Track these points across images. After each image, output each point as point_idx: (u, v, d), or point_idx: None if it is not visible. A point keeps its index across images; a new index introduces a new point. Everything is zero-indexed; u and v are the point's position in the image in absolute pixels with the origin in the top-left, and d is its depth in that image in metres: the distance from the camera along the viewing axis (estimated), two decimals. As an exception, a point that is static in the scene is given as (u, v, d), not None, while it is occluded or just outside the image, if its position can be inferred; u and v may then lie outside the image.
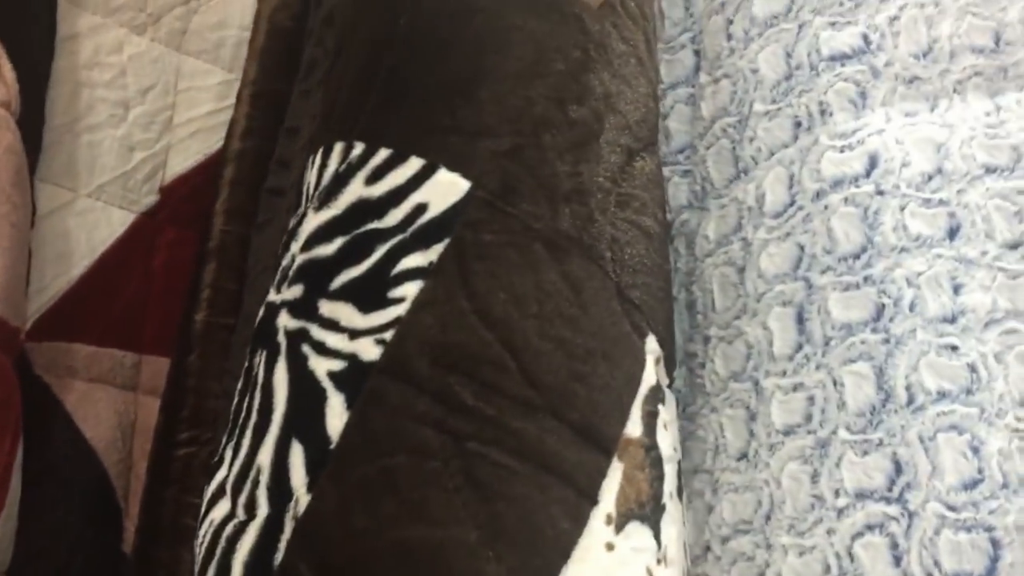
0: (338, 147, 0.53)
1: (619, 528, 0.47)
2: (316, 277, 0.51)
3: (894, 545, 0.48)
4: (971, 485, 0.48)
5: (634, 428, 0.50)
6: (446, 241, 0.49)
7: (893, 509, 0.48)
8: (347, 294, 0.50)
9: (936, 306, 0.51)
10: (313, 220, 0.52)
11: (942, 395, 0.49)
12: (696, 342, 0.62)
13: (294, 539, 0.45)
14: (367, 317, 0.49)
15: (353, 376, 0.47)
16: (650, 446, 0.50)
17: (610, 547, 0.47)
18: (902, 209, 0.54)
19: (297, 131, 0.64)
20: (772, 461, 0.53)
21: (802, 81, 0.61)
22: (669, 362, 0.56)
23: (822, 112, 0.59)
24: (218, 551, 0.46)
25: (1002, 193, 0.55)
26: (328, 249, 0.51)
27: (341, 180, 0.52)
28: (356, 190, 0.52)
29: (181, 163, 0.78)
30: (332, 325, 0.49)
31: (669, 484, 0.51)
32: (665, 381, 0.56)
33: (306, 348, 0.49)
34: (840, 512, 0.49)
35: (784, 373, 0.54)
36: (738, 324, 0.58)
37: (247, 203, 0.66)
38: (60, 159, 0.71)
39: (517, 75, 0.54)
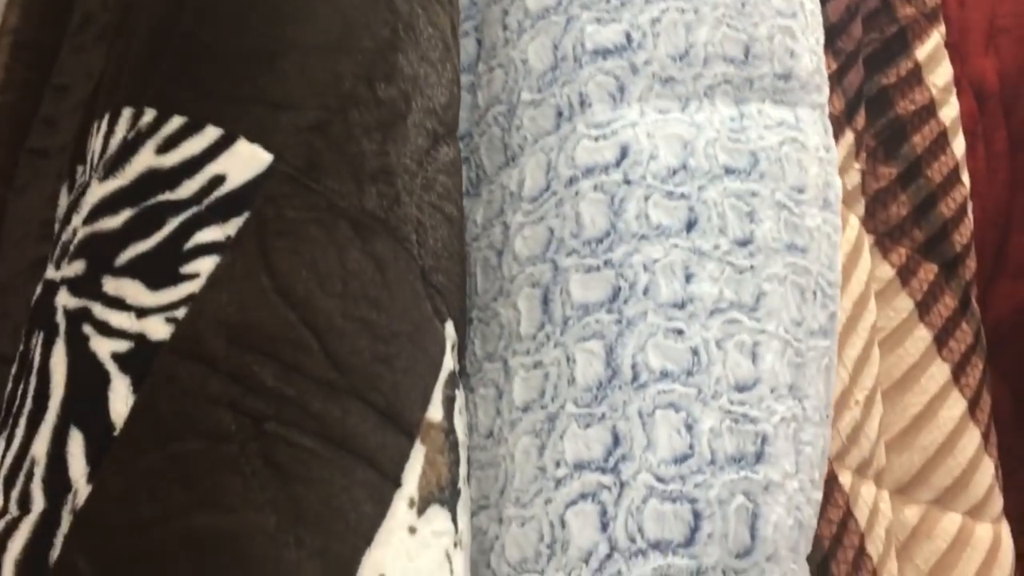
0: (126, 113, 0.50)
1: (420, 511, 0.47)
2: (100, 252, 0.47)
3: (603, 512, 0.49)
4: (681, 459, 0.50)
5: (435, 412, 0.50)
6: (245, 215, 0.47)
7: (607, 479, 0.50)
8: (134, 270, 0.47)
9: (668, 292, 0.54)
10: (98, 191, 0.49)
11: (664, 374, 0.52)
12: (471, 314, 0.63)
13: (72, 532, 0.42)
14: (156, 294, 0.46)
15: (140, 357, 0.45)
16: (449, 430, 0.50)
17: (412, 530, 0.47)
18: (646, 199, 0.56)
19: (67, 89, 0.60)
20: (510, 437, 0.54)
21: (566, 72, 0.63)
22: (462, 349, 0.57)
23: (582, 103, 0.61)
24: None
25: (737, 193, 0.58)
26: (114, 222, 0.48)
27: (129, 148, 0.49)
28: (146, 159, 0.48)
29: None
30: (117, 303, 0.46)
31: (463, 469, 0.52)
32: (458, 367, 0.56)
33: (87, 328, 0.46)
34: (559, 482, 0.51)
35: (528, 352, 0.55)
36: (494, 306, 0.59)
37: (6, 163, 0.62)
38: None
39: (323, 48, 0.52)
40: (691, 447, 0.51)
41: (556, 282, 0.57)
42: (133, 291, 0.46)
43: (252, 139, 0.48)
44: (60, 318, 0.47)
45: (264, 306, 0.46)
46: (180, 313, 0.45)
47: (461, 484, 0.51)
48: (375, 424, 0.46)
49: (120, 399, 0.44)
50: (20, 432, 0.45)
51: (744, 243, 0.57)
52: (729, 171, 0.59)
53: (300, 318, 0.46)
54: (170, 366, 0.44)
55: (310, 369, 0.45)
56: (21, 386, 0.47)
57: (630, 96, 0.61)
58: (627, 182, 0.57)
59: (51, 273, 0.49)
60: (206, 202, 0.47)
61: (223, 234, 0.47)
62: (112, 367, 0.45)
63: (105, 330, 0.46)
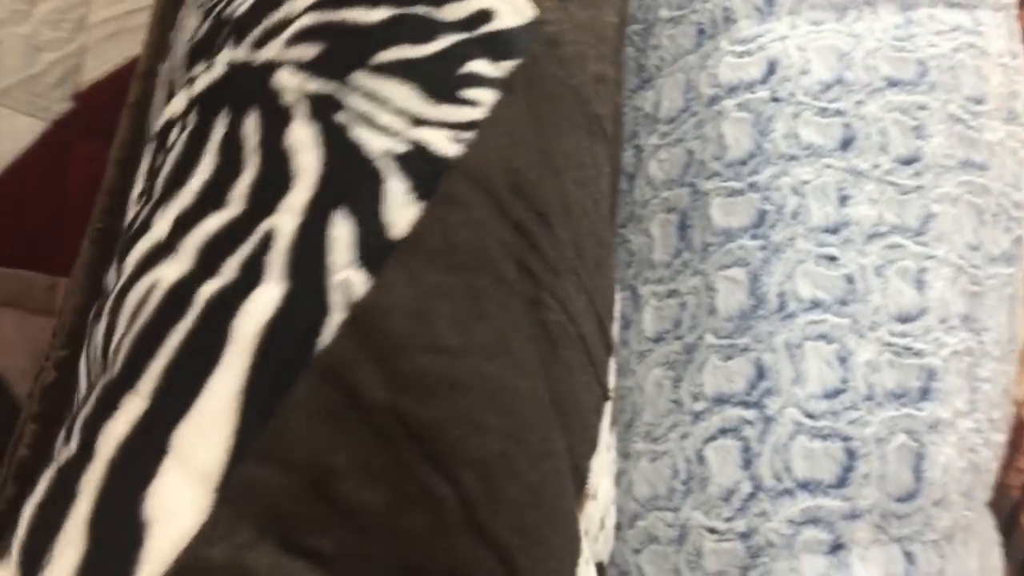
0: None
1: (610, 431, 0.46)
2: (348, 43, 0.42)
3: (746, 448, 0.46)
4: (833, 394, 0.46)
5: (616, 332, 0.49)
6: (518, 60, 0.43)
7: (750, 413, 0.47)
8: (403, 72, 0.42)
9: (820, 215, 0.50)
10: None
11: (815, 304, 0.48)
12: None
13: (351, 326, 0.36)
14: (435, 107, 0.41)
15: (423, 165, 0.40)
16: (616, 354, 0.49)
17: (608, 448, 0.45)
18: (796, 117, 0.52)
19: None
20: (639, 369, 0.52)
21: (710, -15, 0.59)
22: None
23: (726, 19, 0.57)
24: (193, 313, 0.37)
25: (902, 107, 0.53)
26: (368, 16, 0.43)
27: None
28: None
29: (98, 68, 0.73)
30: (380, 102, 0.41)
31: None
32: None
33: (342, 117, 0.41)
34: (696, 416, 0.48)
35: (661, 280, 0.53)
36: (623, 232, 0.56)
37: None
38: (-43, 58, 0.66)
39: None
40: (844, 381, 0.47)
41: (695, 207, 0.53)
42: (403, 94, 0.41)
43: None
44: (291, 99, 0.41)
45: (534, 166, 0.42)
46: (468, 136, 0.41)
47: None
48: (595, 328, 0.43)
49: (398, 202, 0.39)
50: (237, 205, 0.39)
51: (909, 161, 0.52)
52: (892, 83, 0.54)
53: (559, 189, 0.43)
54: (462, 191, 0.40)
55: (566, 247, 0.42)
56: (212, 159, 0.41)
57: (779, 8, 0.57)
58: (775, 99, 0.53)
59: (246, 54, 0.44)
60: (476, 33, 0.43)
61: (497, 72, 0.43)
62: (387, 164, 0.39)
63: (370, 124, 0.41)
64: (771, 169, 0.51)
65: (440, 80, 0.42)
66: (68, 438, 0.37)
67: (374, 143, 0.40)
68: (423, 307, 0.37)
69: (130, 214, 0.44)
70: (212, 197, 0.40)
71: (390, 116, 0.41)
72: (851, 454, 0.45)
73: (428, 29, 0.43)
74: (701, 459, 0.47)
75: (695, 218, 0.53)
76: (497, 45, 0.44)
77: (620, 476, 0.50)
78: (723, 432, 0.47)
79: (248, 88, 0.43)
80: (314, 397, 0.35)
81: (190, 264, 0.38)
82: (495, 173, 0.41)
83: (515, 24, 0.44)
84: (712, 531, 0.46)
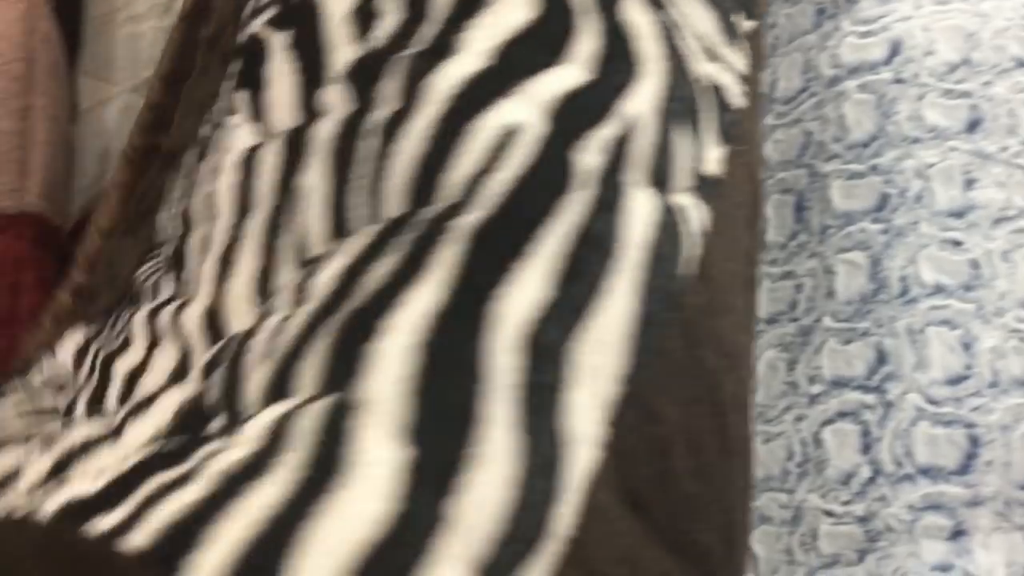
0: None
1: None
2: None
3: (866, 433, 0.46)
4: (956, 381, 0.46)
5: None
6: (756, 21, 0.44)
7: (870, 398, 0.46)
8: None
9: (945, 199, 0.49)
10: None
11: (939, 289, 0.47)
12: None
13: (699, 275, 0.35)
14: (728, 49, 0.41)
15: (724, 110, 0.40)
16: None
17: None
18: (920, 98, 0.51)
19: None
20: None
21: (832, -36, 0.58)
22: None
23: (848, -2, 0.56)
24: (577, 184, 0.34)
25: (1032, 89, 0.51)
26: None
27: None
28: None
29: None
30: (684, 16, 0.40)
31: None
32: None
33: (665, 17, 0.39)
34: (813, 399, 0.48)
35: (775, 261, 0.53)
36: None
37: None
38: (100, 51, 0.69)
39: None
40: (969, 367, 0.46)
41: (813, 188, 0.53)
42: (704, 20, 0.40)
43: None
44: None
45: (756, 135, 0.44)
46: (744, 91, 0.41)
47: None
48: None
49: (712, 140, 0.38)
50: (582, 62, 0.36)
51: (1039, 143, 0.51)
52: (1022, 63, 0.52)
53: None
54: (745, 142, 0.40)
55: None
56: (558, 8, 0.37)
57: (904, -13, 0.56)
58: (898, 81, 0.52)
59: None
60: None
61: (744, 27, 0.43)
62: (706, 95, 0.38)
63: (689, 44, 0.39)
64: (894, 152, 0.51)
65: (730, 23, 0.41)
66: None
67: (694, 65, 0.38)
68: (728, 266, 0.36)
69: (386, 21, 0.38)
70: (543, 44, 0.36)
71: (694, 41, 0.39)
72: (974, 441, 0.45)
73: None
74: (818, 442, 0.47)
75: (813, 200, 0.52)
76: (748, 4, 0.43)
77: None
78: (842, 416, 0.47)
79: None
80: (675, 345, 0.33)
81: (547, 117, 0.34)
82: (755, 134, 0.41)
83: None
84: (829, 514, 0.46)
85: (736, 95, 0.39)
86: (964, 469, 0.45)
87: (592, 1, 0.36)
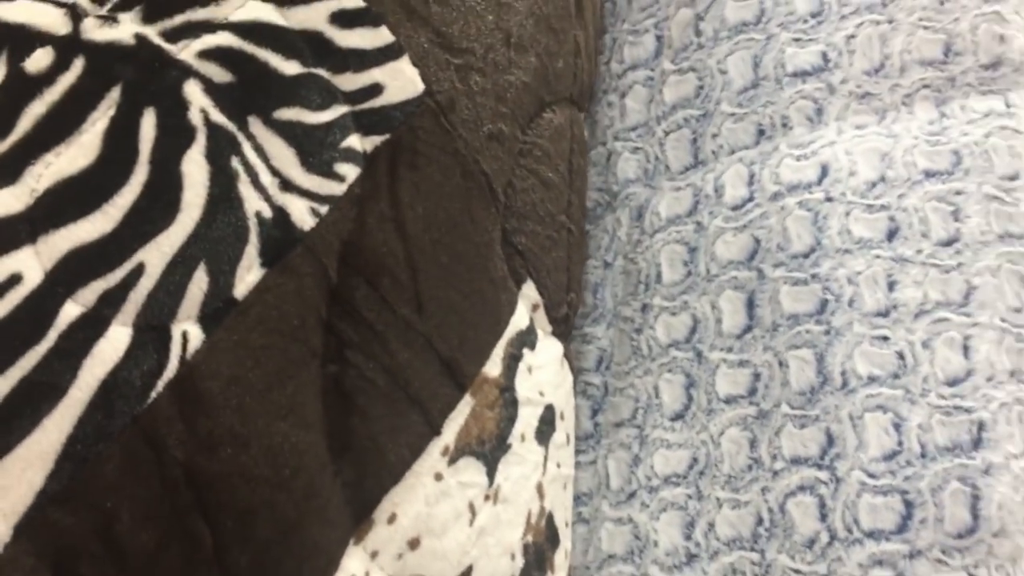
0: None
1: (452, 461, 0.48)
2: (257, 87, 0.44)
3: (822, 504, 0.57)
4: (890, 456, 0.56)
5: (493, 368, 0.50)
6: (386, 136, 0.47)
7: (824, 475, 0.57)
8: (291, 136, 0.45)
9: (872, 302, 0.59)
10: (254, 6, 0.46)
11: (872, 379, 0.58)
12: (631, 307, 0.69)
13: (177, 385, 0.39)
14: (308, 177, 0.45)
15: (278, 233, 0.43)
16: (505, 387, 0.51)
17: (438, 477, 0.47)
18: (847, 215, 0.62)
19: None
20: (711, 425, 0.62)
21: (767, 92, 0.69)
22: (552, 309, 0.58)
23: (784, 124, 0.67)
24: (50, 339, 0.38)
25: (939, 195, 0.62)
26: (282, 66, 0.45)
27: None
28: (317, 21, 0.47)
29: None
30: (264, 157, 0.44)
31: (522, 426, 0.52)
32: (545, 328, 0.57)
33: (236, 164, 0.43)
34: (776, 474, 0.58)
35: (731, 349, 0.63)
36: (685, 298, 0.66)
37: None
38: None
39: None
40: (900, 444, 0.56)
41: (763, 289, 0.64)
42: (284, 156, 0.44)
43: (414, 62, 0.48)
44: (199, 123, 0.42)
45: (379, 232, 0.46)
46: (324, 210, 0.44)
47: (513, 440, 0.51)
48: (435, 371, 0.47)
49: (249, 265, 0.42)
50: (114, 213, 0.40)
51: (949, 242, 0.62)
52: (929, 174, 0.63)
53: (405, 253, 0.46)
54: (300, 263, 0.43)
55: (399, 306, 0.46)
56: (97, 141, 0.40)
57: (828, 116, 0.67)
58: (828, 199, 0.63)
59: (155, 36, 0.43)
60: (361, 107, 0.47)
61: (362, 146, 0.46)
62: (253, 227, 0.43)
63: (254, 181, 0.43)
64: (829, 262, 0.61)
65: (320, 151, 0.45)
66: None
67: (251, 202, 0.42)
68: (239, 371, 0.40)
69: None
70: (89, 194, 0.40)
71: (268, 176, 0.43)
72: (909, 504, 0.55)
73: (326, 96, 0.46)
74: (783, 511, 0.57)
75: (764, 299, 0.63)
76: (372, 121, 0.47)
77: (698, 517, 0.61)
78: (801, 489, 0.57)
79: (155, 80, 0.42)
80: (124, 450, 0.38)
81: (52, 271, 0.38)
82: (332, 246, 0.44)
83: (398, 99, 0.47)
84: (797, 571, 0.57)
85: (303, 219, 0.44)
86: (901, 529, 0.55)
87: (150, 153, 0.41)
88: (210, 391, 0.40)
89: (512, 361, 0.51)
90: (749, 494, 0.58)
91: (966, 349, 0.59)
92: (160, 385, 0.39)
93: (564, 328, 0.62)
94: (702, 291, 0.64)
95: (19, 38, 0.41)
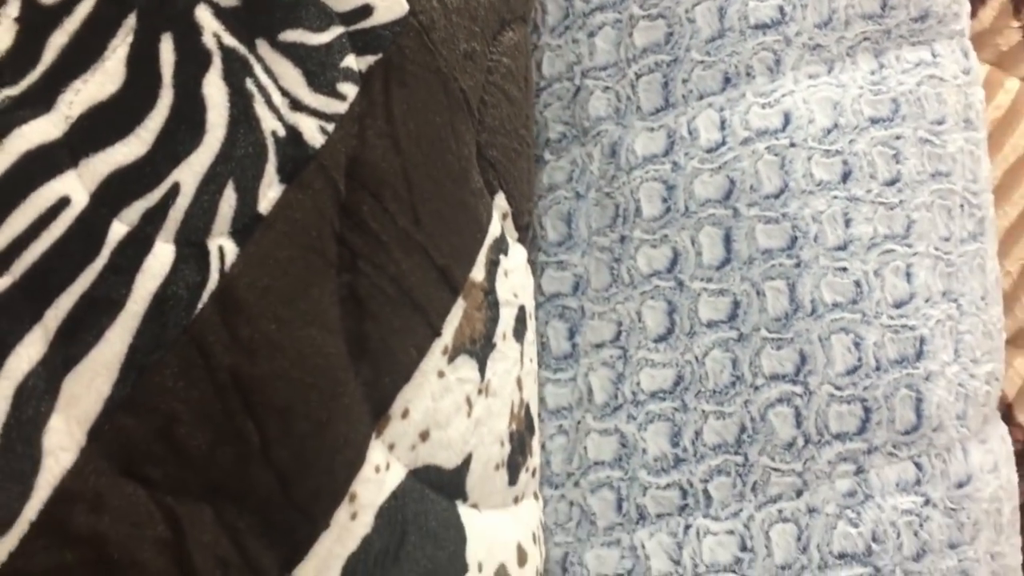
0: None
1: (451, 359, 0.52)
2: (262, 9, 0.46)
3: (797, 414, 0.67)
4: (852, 371, 0.67)
5: (478, 273, 0.54)
6: (379, 55, 0.49)
7: (798, 388, 0.67)
8: (297, 57, 0.47)
9: (833, 238, 0.69)
10: None
11: (835, 305, 0.68)
12: (608, 238, 0.75)
13: (219, 295, 0.42)
14: (314, 96, 0.47)
15: (292, 152, 0.46)
16: (489, 290, 0.55)
17: (440, 374, 0.51)
18: (809, 159, 0.71)
19: None
20: (694, 346, 0.70)
21: (732, 42, 0.75)
22: (517, 217, 0.62)
23: (748, 74, 0.75)
24: (102, 258, 0.40)
25: (883, 140, 0.72)
26: None
27: None
28: None
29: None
30: (273, 77, 0.46)
31: (503, 325, 0.56)
32: (513, 235, 0.61)
33: (251, 85, 0.45)
34: (756, 389, 0.68)
35: (710, 279, 0.71)
36: (665, 232, 0.72)
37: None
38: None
39: None
40: (859, 360, 0.67)
41: (739, 226, 0.72)
42: (292, 77, 0.46)
43: None
44: (214, 47, 0.44)
45: (378, 148, 0.48)
46: (330, 128, 0.47)
47: (498, 339, 0.55)
48: (432, 278, 0.50)
49: (269, 182, 0.45)
50: (147, 137, 0.42)
51: (892, 182, 0.71)
52: (874, 121, 0.72)
53: (401, 167, 0.49)
54: (314, 178, 0.46)
55: (399, 217, 0.49)
56: (120, 68, 0.42)
57: (785, 67, 0.74)
58: (792, 145, 0.72)
59: None
60: (352, 27, 0.49)
61: (357, 66, 0.49)
62: (270, 146, 0.45)
63: (267, 101, 0.46)
64: (796, 203, 0.70)
65: (323, 71, 0.47)
66: None
67: (267, 121, 0.45)
68: (271, 280, 0.44)
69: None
70: (121, 118, 0.41)
71: (279, 96, 0.46)
72: (867, 410, 0.66)
73: (324, 18, 0.47)
74: (763, 419, 0.68)
75: (740, 234, 0.71)
76: (365, 41, 0.49)
77: (684, 427, 0.69)
78: (779, 401, 0.68)
79: (167, 6, 0.43)
80: (179, 357, 0.41)
81: (97, 192, 0.40)
82: (339, 163, 0.47)
83: (387, 20, 0.49)
84: (776, 470, 0.67)
85: (314, 136, 0.47)
86: (861, 431, 0.66)
87: (172, 78, 0.43)
88: (247, 301, 0.43)
89: (492, 266, 0.55)
90: (733, 407, 0.68)
91: (908, 276, 0.69)
92: (205, 296, 0.42)
93: (526, 235, 0.65)
94: (681, 226, 0.72)
95: None
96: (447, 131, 0.52)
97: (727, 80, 0.75)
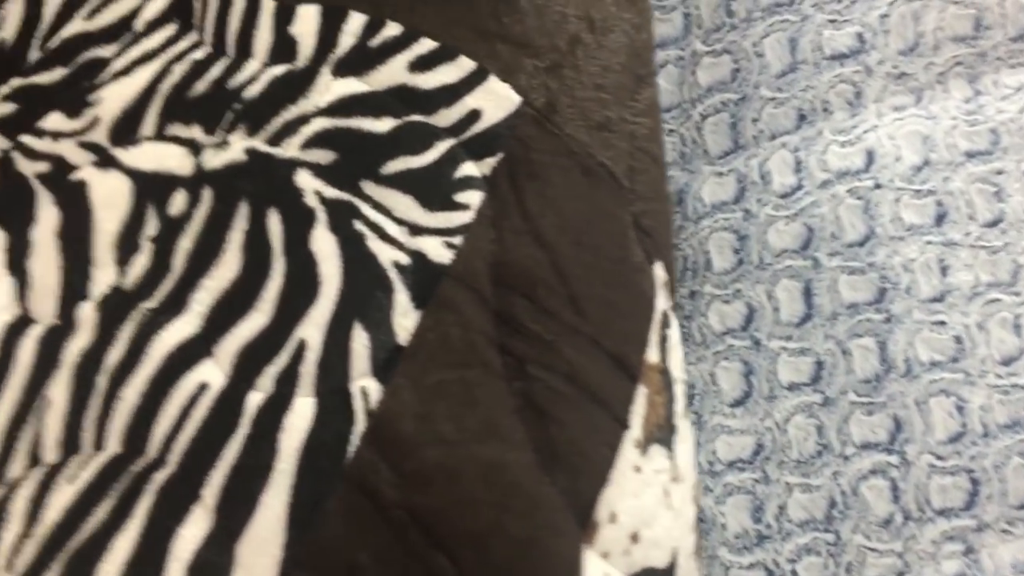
0: (357, 18, 0.51)
1: (644, 451, 0.49)
2: (359, 152, 0.48)
3: (894, 487, 0.60)
4: (956, 438, 0.60)
5: (652, 353, 0.51)
6: (499, 156, 0.49)
7: (894, 459, 0.60)
8: (405, 184, 0.48)
9: (927, 288, 0.62)
10: (338, 85, 0.49)
11: (933, 364, 0.61)
12: (678, 294, 0.69)
13: (370, 434, 0.42)
14: (432, 215, 0.47)
15: (422, 274, 0.46)
16: (664, 369, 0.52)
17: (637, 469, 0.48)
18: (896, 201, 0.64)
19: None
20: (775, 412, 0.64)
21: (806, 76, 0.70)
22: (671, 286, 0.58)
23: (825, 109, 0.68)
24: (244, 426, 0.42)
25: (982, 176, 0.65)
26: (375, 127, 0.48)
27: (374, 55, 0.50)
28: (398, 74, 0.50)
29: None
30: (385, 211, 0.47)
31: (678, 404, 0.53)
32: (670, 304, 0.57)
33: (360, 226, 0.46)
34: (846, 459, 0.62)
35: (790, 338, 0.65)
36: (738, 287, 0.67)
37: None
38: None
39: None
40: (964, 426, 0.60)
41: (820, 278, 0.66)
42: (404, 205, 0.47)
43: (503, 77, 0.50)
44: (315, 203, 0.46)
45: (520, 247, 0.47)
46: (457, 241, 0.46)
47: (677, 420, 0.52)
48: (607, 368, 0.48)
49: (402, 311, 0.45)
50: (267, 307, 0.44)
51: (994, 223, 0.64)
52: (971, 155, 0.65)
53: (549, 261, 0.48)
54: (452, 294, 0.45)
55: (560, 312, 0.47)
56: (238, 255, 0.45)
57: (867, 99, 0.68)
58: (877, 186, 0.65)
59: (268, 147, 0.48)
60: (465, 136, 0.49)
61: (480, 171, 0.48)
62: (394, 275, 0.45)
63: (382, 235, 0.46)
64: (884, 250, 0.64)
65: (435, 189, 0.47)
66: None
67: (385, 254, 0.46)
68: (425, 407, 0.43)
69: (139, 261, 0.46)
70: (242, 298, 0.45)
71: (396, 227, 0.46)
72: (975, 482, 0.59)
73: (426, 137, 0.48)
74: (856, 493, 0.61)
75: (821, 289, 0.65)
76: (481, 145, 0.49)
77: (767, 501, 0.64)
78: (873, 473, 0.61)
79: (271, 183, 0.47)
80: (344, 504, 0.41)
81: (231, 371, 0.43)
82: (479, 271, 0.46)
83: (499, 118, 0.49)
84: (873, 550, 0.60)
85: (440, 254, 0.47)
86: (969, 505, 0.59)
87: (282, 245, 0.46)
88: (403, 433, 0.43)
89: (663, 343, 0.52)
90: (820, 478, 0.61)
91: (1017, 328, 0.62)
92: (355, 439, 0.42)
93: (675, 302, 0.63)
94: (756, 280, 0.66)
95: (160, 186, 0.47)
96: (593, 211, 0.51)
97: (802, 117, 0.69)
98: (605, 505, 0.46)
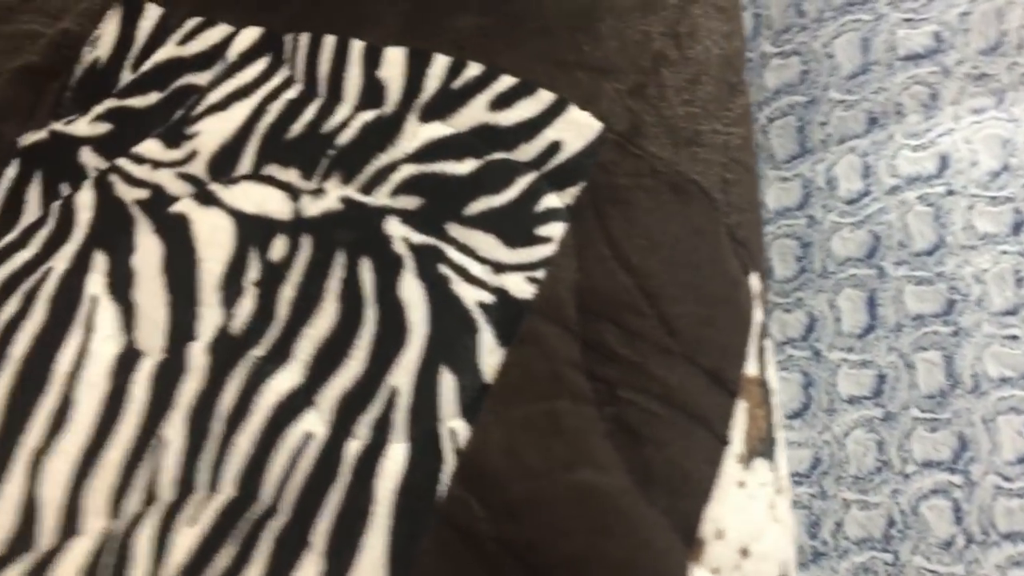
0: (441, 60, 0.52)
1: (747, 465, 0.49)
2: (443, 196, 0.49)
3: (957, 508, 0.58)
4: (1025, 459, 0.57)
5: (752, 367, 0.51)
6: (581, 184, 0.49)
7: (957, 479, 0.58)
8: (487, 223, 0.48)
9: (1000, 300, 0.59)
10: (424, 130, 0.50)
11: (1003, 381, 0.58)
12: None
13: (461, 472, 0.43)
14: (514, 252, 0.48)
15: (505, 312, 0.47)
16: (762, 382, 0.52)
17: (741, 484, 0.48)
18: (970, 208, 0.61)
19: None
20: (833, 425, 0.63)
21: (878, 77, 0.67)
22: (764, 296, 0.57)
23: (897, 112, 0.66)
24: (345, 474, 0.44)
25: (1064, 184, 0.61)
26: (458, 169, 0.49)
27: (456, 97, 0.51)
28: (479, 114, 0.50)
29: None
30: (469, 252, 0.48)
31: (777, 416, 0.53)
32: (763, 314, 0.59)
33: (444, 269, 0.47)
34: (907, 477, 0.59)
35: (852, 349, 0.63)
36: (799, 295, 0.66)
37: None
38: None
39: (633, 8, 0.54)
40: (1034, 447, 0.57)
41: (885, 288, 0.64)
42: (488, 244, 0.47)
43: (582, 106, 0.50)
44: (403, 250, 0.47)
45: (605, 273, 0.48)
46: (540, 275, 0.47)
47: (776, 432, 0.52)
48: (704, 385, 0.48)
49: (488, 350, 0.45)
50: (361, 355, 0.46)
51: (1075, 234, 0.61)
52: (1054, 161, 0.62)
53: (636, 284, 0.48)
54: (536, 328, 0.46)
55: (648, 334, 0.47)
56: (335, 304, 0.46)
57: (943, 101, 0.65)
58: (950, 192, 0.62)
59: (360, 196, 0.49)
60: (546, 168, 0.49)
61: (562, 201, 0.48)
62: (479, 316, 0.46)
63: (466, 276, 0.47)
64: (954, 260, 0.61)
65: (517, 225, 0.48)
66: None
67: (469, 295, 0.46)
68: (512, 441, 0.44)
69: (244, 305, 0.47)
70: (339, 348, 0.46)
71: (479, 266, 0.47)
72: (1045, 507, 0.56)
73: (507, 174, 0.49)
74: (916, 513, 0.58)
75: (886, 299, 0.63)
76: (563, 175, 0.49)
77: (823, 517, 0.62)
78: (935, 492, 0.58)
79: (364, 232, 0.48)
80: (438, 541, 0.42)
81: (332, 420, 0.45)
82: (563, 301, 0.47)
83: (580, 146, 0.50)
84: (933, 572, 0.58)
85: (522, 289, 0.47)
86: (1039, 532, 0.56)
87: (373, 293, 0.47)
88: (491, 468, 0.43)
89: (761, 355, 0.52)
90: (879, 496, 0.59)
91: (1095, 344, 0.59)
92: (445, 479, 0.43)
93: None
94: (818, 288, 0.64)
95: (262, 230, 0.48)
96: (686, 229, 0.51)
97: (872, 121, 0.67)
98: (710, 522, 0.46)
